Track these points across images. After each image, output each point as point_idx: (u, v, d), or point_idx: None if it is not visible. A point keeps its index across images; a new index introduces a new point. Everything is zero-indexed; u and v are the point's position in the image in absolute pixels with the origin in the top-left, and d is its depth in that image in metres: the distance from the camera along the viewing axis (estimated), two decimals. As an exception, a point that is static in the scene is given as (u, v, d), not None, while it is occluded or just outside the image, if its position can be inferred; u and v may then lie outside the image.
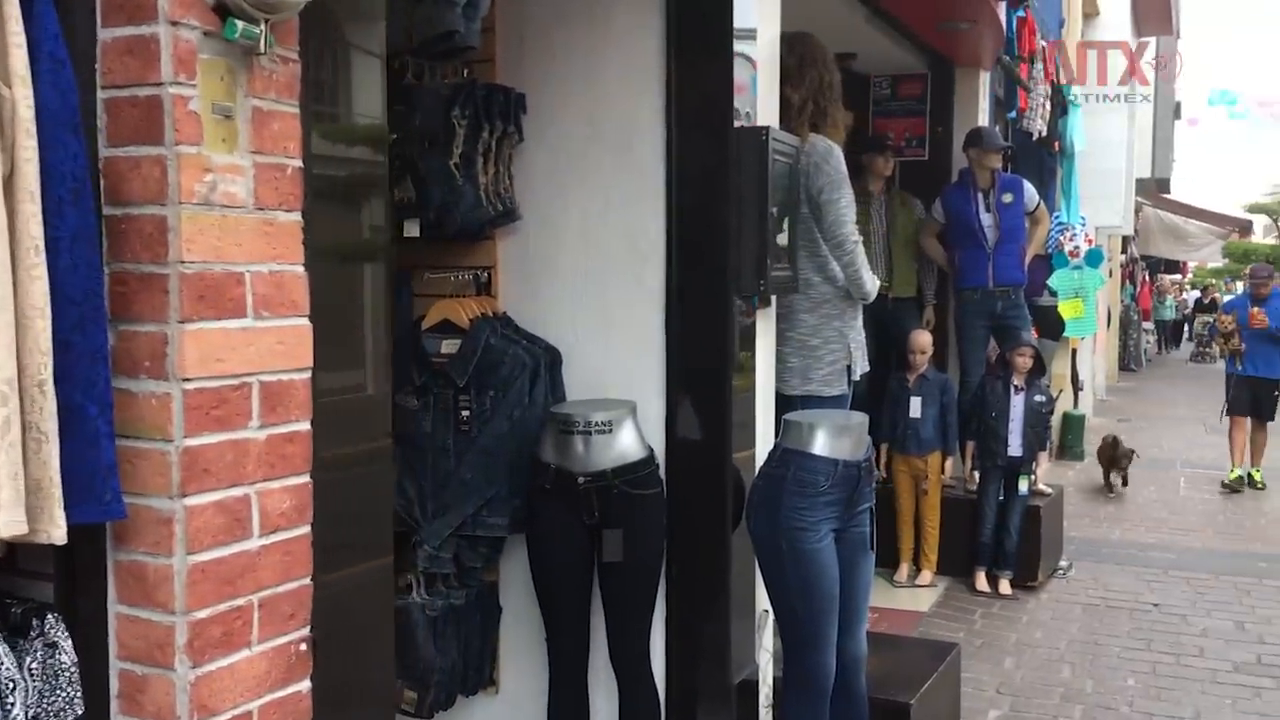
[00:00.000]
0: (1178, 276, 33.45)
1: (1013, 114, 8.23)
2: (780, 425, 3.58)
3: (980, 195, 7.00)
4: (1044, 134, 9.27)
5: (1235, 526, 8.68)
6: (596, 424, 3.51)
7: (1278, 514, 9.02)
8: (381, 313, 2.34)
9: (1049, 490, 7.07)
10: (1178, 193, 25.82)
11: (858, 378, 4.25)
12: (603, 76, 3.76)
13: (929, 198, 7.20)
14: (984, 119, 7.55)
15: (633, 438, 3.57)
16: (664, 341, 3.71)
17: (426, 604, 3.66)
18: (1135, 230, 17.26)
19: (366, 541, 2.30)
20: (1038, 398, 6.74)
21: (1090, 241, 10.29)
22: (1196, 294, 32.42)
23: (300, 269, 2.04)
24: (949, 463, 6.79)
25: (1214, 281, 31.85)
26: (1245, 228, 22.48)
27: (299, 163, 2.02)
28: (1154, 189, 20.42)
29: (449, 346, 3.75)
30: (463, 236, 3.76)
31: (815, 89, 4.18)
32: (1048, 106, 9.30)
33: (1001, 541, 6.73)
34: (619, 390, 3.78)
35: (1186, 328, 29.09)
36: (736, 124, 3.61)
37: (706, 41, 3.61)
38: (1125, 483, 9.72)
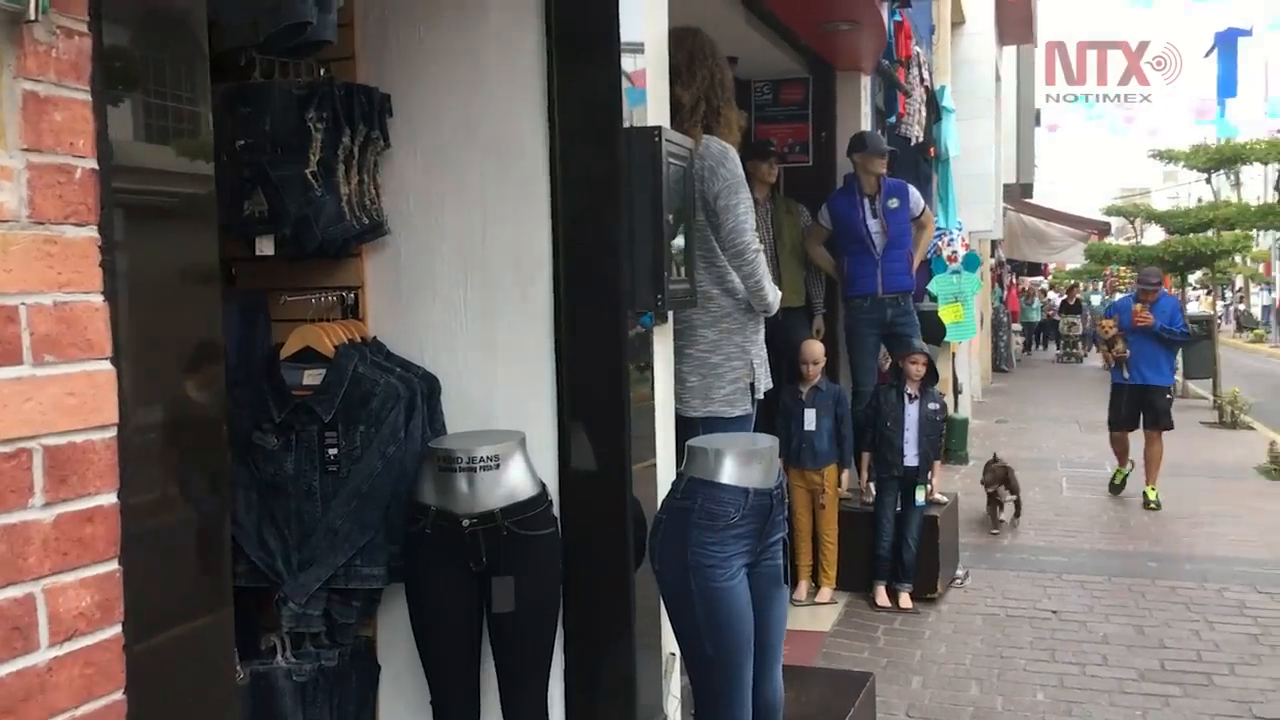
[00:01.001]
0: (1039, 279, 34.14)
1: (892, 119, 8.03)
2: (683, 452, 3.20)
3: (866, 201, 6.74)
4: (920, 140, 9.09)
5: (1121, 526, 8.59)
6: (481, 459, 3.08)
7: (1162, 513, 8.95)
8: (212, 347, 1.88)
9: (944, 499, 6.84)
10: (1039, 197, 26.29)
11: (761, 396, 3.89)
12: (478, 75, 3.36)
13: (814, 204, 6.92)
14: (866, 124, 7.31)
15: (522, 473, 3.15)
16: (554, 365, 3.31)
17: (294, 669, 3.19)
18: (1001, 234, 17.38)
19: (199, 621, 1.84)
20: (932, 405, 6.49)
21: (967, 246, 10.20)
22: (1058, 296, 33.13)
23: (98, 299, 1.58)
24: (845, 475, 6.52)
25: (1075, 282, 32.53)
26: (1104, 229, 22.91)
27: (93, 164, 1.56)
28: (1018, 193, 20.65)
29: (312, 377, 3.29)
30: (325, 254, 3.31)
31: (707, 87, 3.82)
32: (924, 112, 9.13)
33: (900, 554, 6.47)
34: (506, 420, 3.36)
35: (1051, 329, 29.61)
36: (626, 125, 3.23)
37: (591, 35, 3.23)
38: (1018, 512, 8.54)
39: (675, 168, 3.39)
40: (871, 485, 6.63)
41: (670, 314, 3.61)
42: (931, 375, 6.53)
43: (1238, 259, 23.49)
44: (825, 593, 6.47)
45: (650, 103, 3.39)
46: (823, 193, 6.97)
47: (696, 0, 4.76)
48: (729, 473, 3.10)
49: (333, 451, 3.26)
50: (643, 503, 3.37)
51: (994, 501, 8.35)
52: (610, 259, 3.23)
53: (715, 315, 3.81)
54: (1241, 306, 39.71)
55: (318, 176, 3.16)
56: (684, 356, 3.79)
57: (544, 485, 3.20)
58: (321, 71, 3.33)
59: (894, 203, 6.76)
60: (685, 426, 3.83)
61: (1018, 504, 8.51)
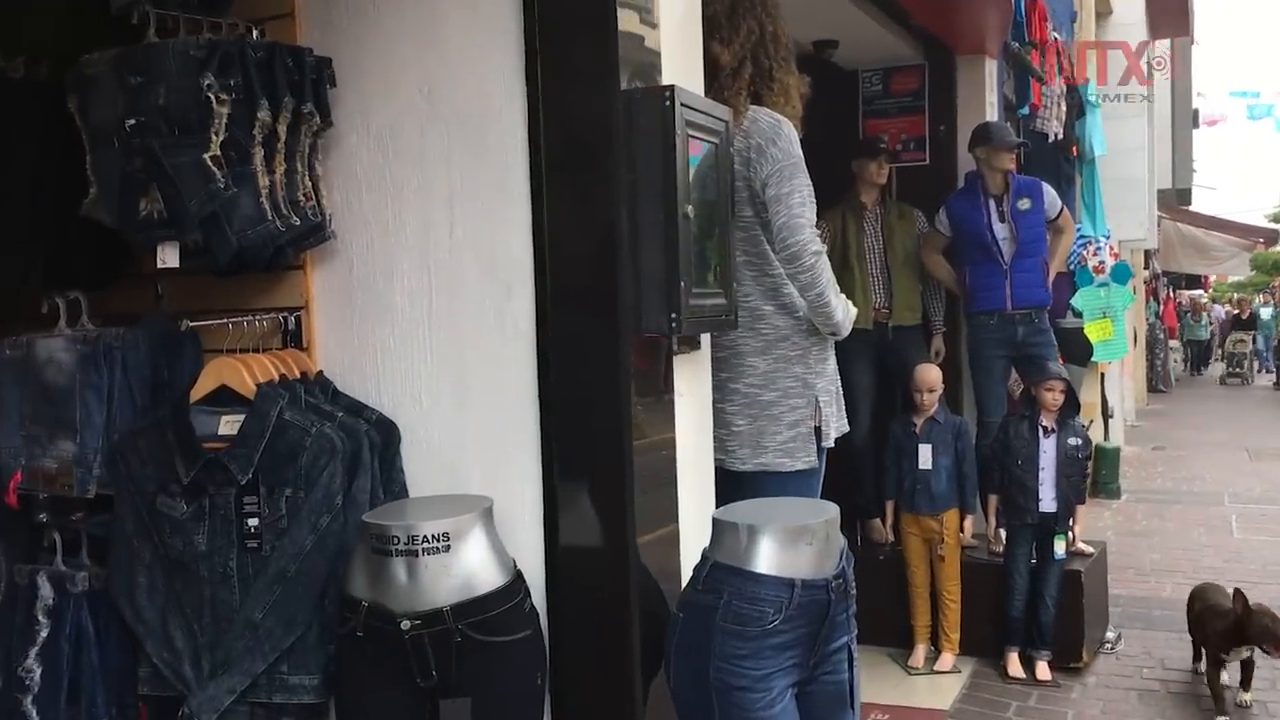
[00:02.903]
0: (1199, 292, 31.74)
1: (1024, 110, 6.95)
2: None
3: (992, 202, 5.72)
4: (1060, 137, 7.99)
5: (1306, 576, 7.31)
6: (424, 539, 2.25)
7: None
8: None
9: (1090, 550, 5.74)
10: (1198, 204, 24.37)
11: (830, 443, 2.96)
12: (442, 32, 2.55)
13: (932, 208, 5.92)
14: (993, 115, 6.28)
15: (484, 555, 2.31)
16: (538, 407, 2.46)
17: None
18: (1158, 244, 15.92)
19: None
20: (1072, 440, 5.41)
21: (1116, 256, 9.03)
22: (1222, 309, 30.54)
23: None
24: (968, 521, 5.49)
25: (1244, 295, 30.04)
26: (1271, 238, 20.99)
27: None
28: (1174, 200, 19.03)
29: (230, 425, 2.51)
30: (250, 266, 2.53)
31: (754, 44, 2.94)
32: (1063, 106, 8.03)
33: (1036, 615, 5.40)
34: (480, 480, 2.54)
35: (1219, 348, 27.12)
36: (627, 87, 2.38)
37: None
38: (1247, 680, 4.89)
39: (700, 143, 2.52)
40: (1001, 533, 5.59)
41: (703, 338, 2.74)
42: (1071, 404, 5.46)
43: None
44: (946, 659, 5.45)
45: (668, 59, 2.53)
46: (942, 195, 5.96)
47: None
48: (767, 558, 2.23)
49: (253, 522, 2.48)
50: (663, 585, 2.50)
51: (1217, 665, 4.83)
52: (605, 266, 2.37)
53: (768, 339, 2.91)
54: None
55: (222, 163, 2.38)
56: (729, 392, 2.90)
57: (517, 572, 2.36)
58: (254, 34, 2.57)
59: (1025, 203, 5.73)
60: (731, 483, 2.95)
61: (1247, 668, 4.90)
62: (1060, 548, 5.36)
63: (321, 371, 2.66)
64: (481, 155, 2.50)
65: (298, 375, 2.61)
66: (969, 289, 5.78)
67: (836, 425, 2.99)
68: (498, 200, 2.48)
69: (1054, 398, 5.37)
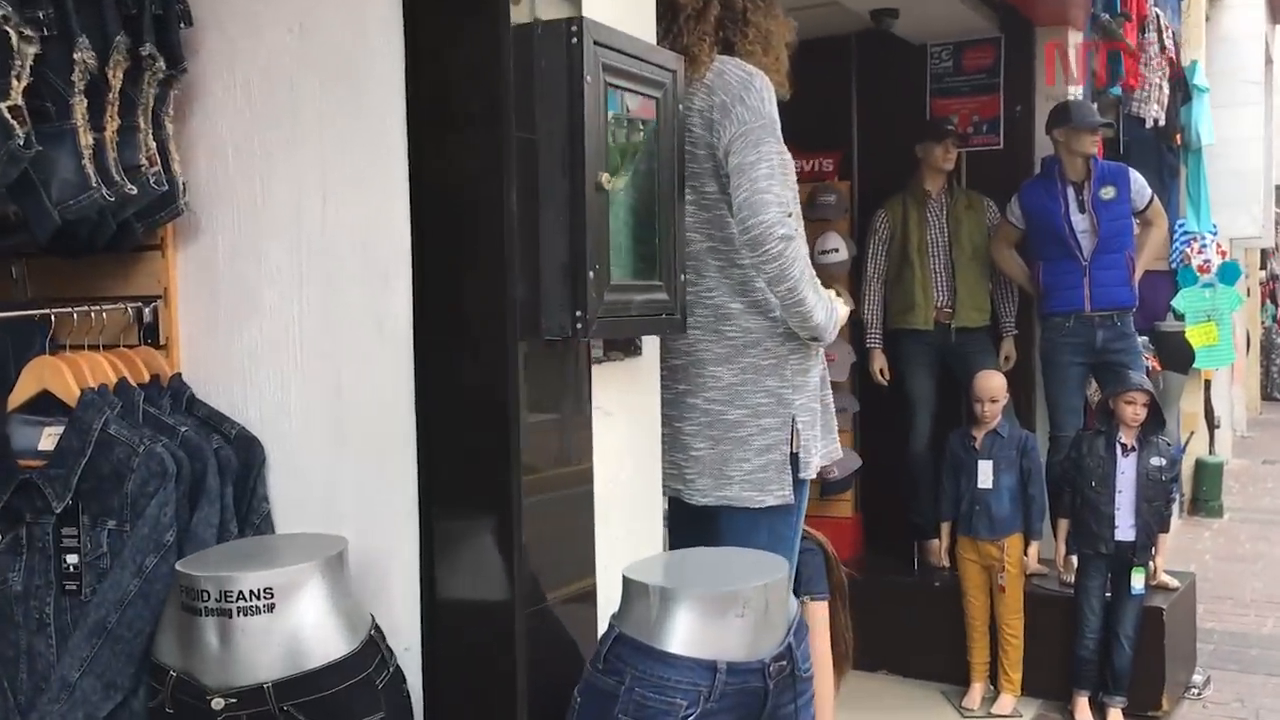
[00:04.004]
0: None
1: (1116, 89, 6.19)
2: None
3: (1071, 190, 5.02)
4: (1161, 122, 7.18)
5: None
6: (242, 595, 1.73)
7: None
8: None
9: (1174, 583, 5.01)
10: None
11: (811, 474, 2.35)
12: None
13: (1005, 197, 5.24)
14: (1077, 95, 5.55)
15: (322, 616, 1.78)
16: (414, 424, 1.93)
17: None
18: (1276, 243, 14.75)
19: None
20: (1155, 460, 4.70)
21: (1224, 254, 8.20)
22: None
23: None
24: (1033, 548, 4.85)
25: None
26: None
27: None
28: (1295, 197, 17.72)
29: (51, 439, 2.02)
30: (85, 243, 2.04)
31: (724, -23, 2.35)
32: (1165, 89, 7.22)
33: (1110, 656, 4.71)
34: (355, 512, 2.02)
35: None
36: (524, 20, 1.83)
37: None
38: None
39: (629, 96, 1.96)
40: (1072, 561, 4.90)
41: (651, 343, 2.18)
42: (1155, 419, 4.75)
43: None
44: (1006, 701, 4.80)
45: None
46: (1018, 183, 5.28)
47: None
48: (683, 632, 1.68)
49: (72, 560, 2.00)
50: (572, 657, 1.95)
51: None
52: (491, 250, 1.83)
53: (735, 344, 2.31)
54: None
55: (23, 116, 1.88)
56: (686, 409, 2.31)
57: (370, 637, 1.83)
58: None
59: (1108, 192, 5.02)
60: (690, 520, 2.39)
61: None
62: (1139, 581, 4.67)
63: (179, 375, 2.16)
64: (357, 110, 1.98)
65: (146, 378, 2.12)
66: (1043, 287, 5.09)
67: (821, 452, 2.38)
68: (374, 166, 1.96)
69: (1135, 412, 4.66)
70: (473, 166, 1.84)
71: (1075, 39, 5.47)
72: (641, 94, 1.99)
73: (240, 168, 2.11)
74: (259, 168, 2.09)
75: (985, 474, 4.76)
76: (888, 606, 5.09)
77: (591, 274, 1.84)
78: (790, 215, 2.16)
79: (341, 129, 2.00)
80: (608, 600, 1.95)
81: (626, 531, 2.09)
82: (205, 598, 1.72)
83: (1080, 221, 4.99)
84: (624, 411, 2.09)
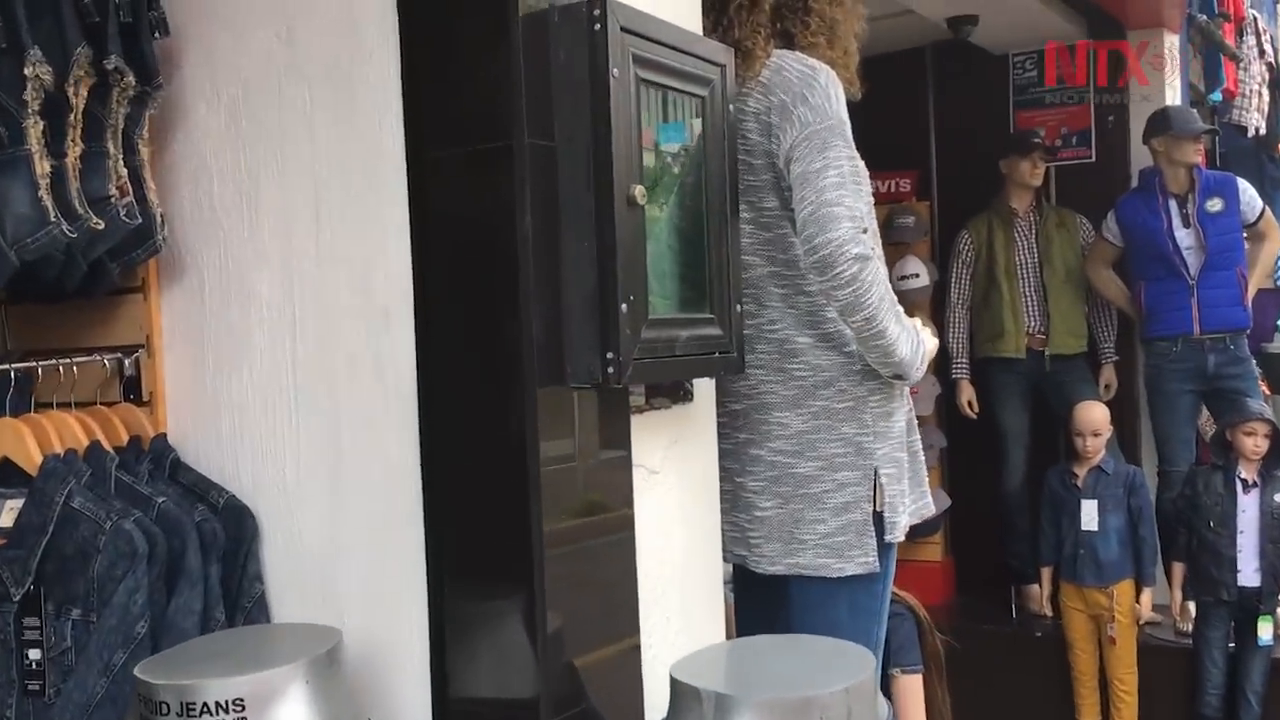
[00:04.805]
0: None
1: (1216, 96, 5.74)
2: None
3: (1173, 203, 4.59)
4: (1262, 132, 6.70)
5: None
6: (209, 707, 1.42)
7: None
8: None
9: (1308, 631, 4.53)
10: None
11: (899, 537, 1.98)
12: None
13: (1099, 213, 4.81)
14: (1174, 102, 5.12)
15: (306, 729, 1.46)
16: (420, 489, 1.61)
17: None
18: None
19: None
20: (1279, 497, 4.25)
21: (1336, 269, 7.64)
22: None
23: None
24: (1146, 595, 4.40)
25: None
26: None
27: None
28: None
29: (11, 515, 1.74)
30: (54, 287, 1.77)
31: (782, -45, 2.02)
32: (1265, 95, 6.73)
33: (1236, 713, 4.25)
34: (359, 594, 1.71)
35: None
36: (537, 6, 1.52)
37: None
38: None
39: (671, 94, 1.64)
40: (1190, 609, 4.44)
41: (705, 386, 1.85)
42: (1277, 452, 4.29)
43: None
44: (1120, 765, 4.36)
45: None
46: (1111, 198, 4.85)
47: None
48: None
49: (34, 655, 1.71)
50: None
51: None
52: (504, 282, 1.51)
53: (804, 385, 1.94)
54: None
55: (-36, 142, 1.62)
56: (749, 461, 1.96)
57: (366, 750, 1.51)
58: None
59: (1216, 204, 4.58)
60: (758, 591, 2.04)
61: None
62: (1266, 631, 4.23)
63: (163, 436, 1.87)
64: (351, 122, 1.68)
65: (124, 440, 1.83)
66: (1146, 309, 4.65)
67: (911, 509, 2.02)
68: (370, 186, 1.65)
69: (1256, 444, 4.21)
70: (479, 182, 1.53)
71: (1170, 41, 5.04)
72: (683, 92, 1.66)
73: (225, 195, 1.83)
74: (246, 193, 1.80)
75: (1090, 515, 4.35)
76: (984, 659, 4.67)
77: (624, 307, 1.51)
78: (865, 231, 1.81)
79: (334, 145, 1.70)
80: (657, 701, 1.61)
81: (679, 613, 1.75)
82: (164, 710, 1.41)
83: (1185, 237, 4.56)
84: (673, 469, 1.76)
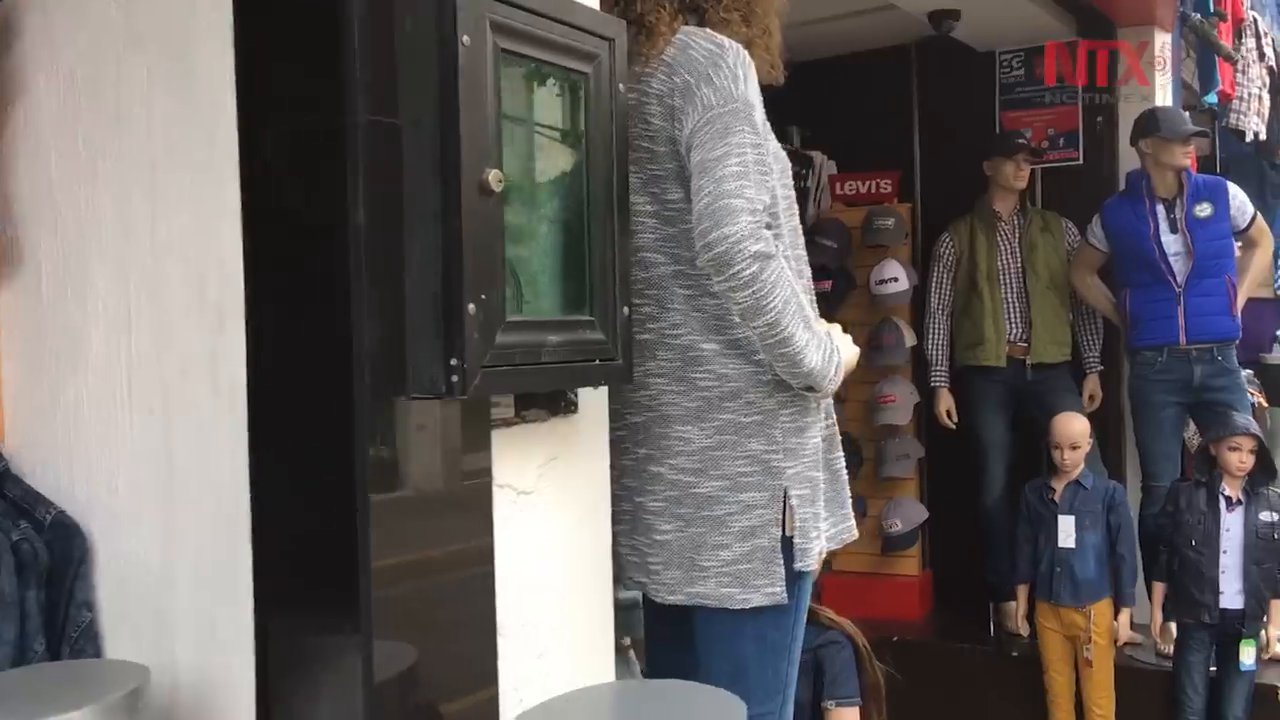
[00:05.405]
0: None
1: (1212, 98, 5.52)
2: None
3: (1161, 208, 4.37)
4: (1262, 137, 6.46)
5: None
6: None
7: None
8: None
9: (1292, 656, 4.32)
10: None
11: (812, 564, 1.76)
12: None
13: (1086, 218, 4.60)
14: (1166, 102, 4.91)
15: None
16: (249, 510, 1.42)
17: None
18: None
19: None
20: (1265, 515, 4.02)
21: (1337, 279, 7.44)
22: None
23: None
24: (1124, 615, 4.18)
25: None
26: None
27: None
28: None
29: None
30: None
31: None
32: (1266, 100, 6.50)
33: (1217, 739, 4.04)
34: (192, 621, 1.50)
35: None
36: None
37: None
38: None
39: (529, 65, 1.44)
40: (1171, 629, 4.23)
41: (595, 396, 1.65)
42: (1266, 468, 4.07)
43: None
44: (1095, 793, 4.15)
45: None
46: (1098, 201, 4.64)
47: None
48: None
49: None
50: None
51: None
52: (331, 280, 1.32)
53: (709, 397, 1.74)
54: None
55: None
56: (648, 479, 1.75)
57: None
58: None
59: (1204, 209, 4.36)
60: (665, 622, 1.85)
61: None
62: (1249, 656, 4.01)
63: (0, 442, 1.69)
64: (188, 96, 1.49)
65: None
66: (1131, 318, 4.44)
67: (828, 533, 1.81)
68: (206, 171, 1.46)
69: (1241, 459, 4.00)
70: (311, 166, 1.33)
71: (1162, 40, 4.83)
72: (560, 67, 1.46)
73: (64, 176, 1.64)
74: (83, 175, 1.61)
75: (1067, 531, 4.15)
76: (958, 678, 4.49)
77: (473, 308, 1.31)
78: (769, 228, 1.61)
79: (171, 124, 1.51)
80: (508, 706, 1.42)
81: (556, 651, 1.55)
82: (-76, 761, 1.22)
83: (1172, 243, 4.34)
84: (550, 489, 1.56)
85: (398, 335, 1.33)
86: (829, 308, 4.91)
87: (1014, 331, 4.64)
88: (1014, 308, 4.64)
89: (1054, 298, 4.64)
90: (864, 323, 4.90)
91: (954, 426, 4.72)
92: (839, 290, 4.92)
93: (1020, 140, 4.74)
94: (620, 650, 2.27)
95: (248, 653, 1.41)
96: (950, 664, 4.57)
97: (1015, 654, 4.44)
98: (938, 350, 4.76)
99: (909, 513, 4.82)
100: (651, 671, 2.01)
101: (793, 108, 5.18)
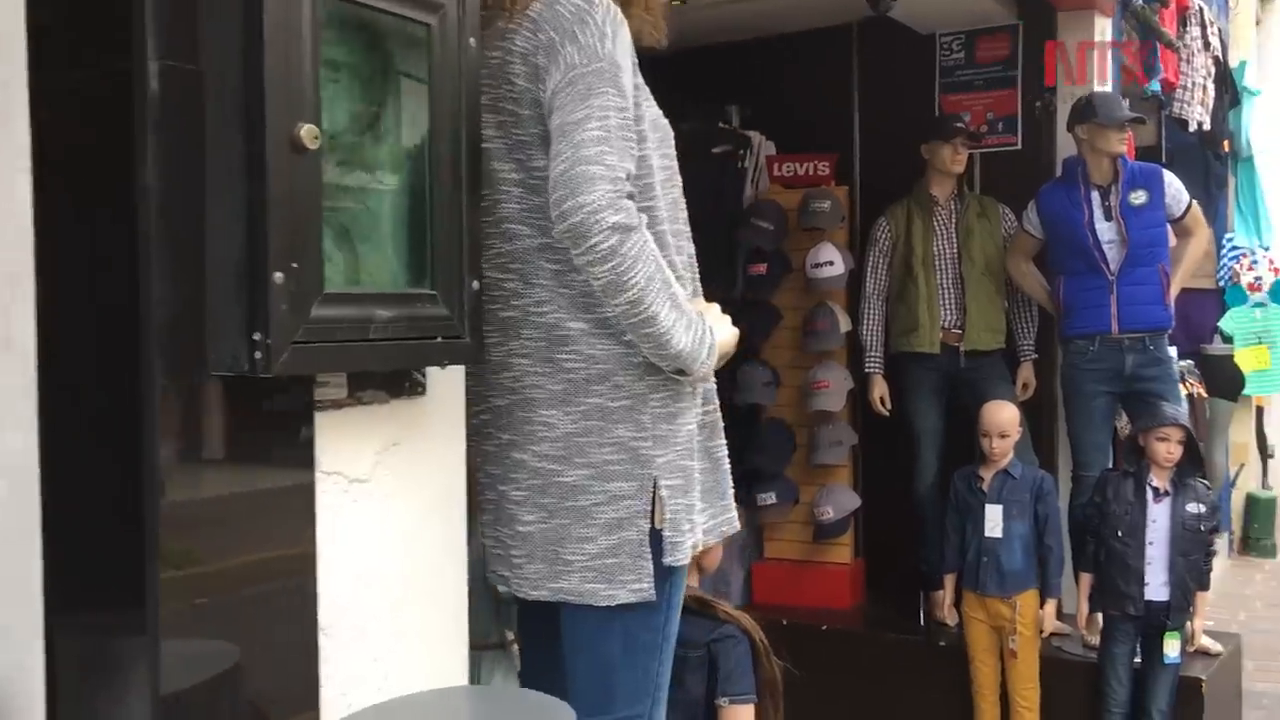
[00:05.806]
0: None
1: (1155, 86, 5.43)
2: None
3: (1095, 195, 4.28)
4: (1206, 127, 6.40)
5: None
6: None
7: None
8: None
9: (1216, 648, 4.24)
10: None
11: (684, 558, 1.64)
12: None
13: (1022, 203, 4.51)
14: (1106, 88, 4.82)
15: None
16: (39, 499, 1.27)
17: None
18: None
19: None
20: (1191, 507, 3.94)
21: (1276, 271, 7.40)
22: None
23: None
24: (1050, 606, 4.11)
25: None
26: None
27: None
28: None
29: None
30: None
31: None
32: (1210, 89, 6.43)
33: (1141, 731, 3.96)
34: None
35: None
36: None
37: None
38: None
39: (358, 11, 1.30)
40: (1096, 620, 4.15)
41: (447, 378, 1.51)
42: (1193, 459, 4.00)
43: None
44: (1018, 784, 4.07)
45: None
46: (1037, 188, 4.54)
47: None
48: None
49: None
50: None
51: None
52: (120, 244, 1.18)
53: (575, 380, 1.61)
54: None
55: None
56: (511, 466, 1.62)
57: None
58: None
59: (1139, 197, 4.27)
60: (534, 619, 1.73)
61: None
62: (1173, 648, 3.93)
63: None
64: (-16, 42, 1.33)
65: None
66: (1064, 305, 4.35)
67: (703, 525, 1.68)
68: (2, 121, 1.31)
69: (1169, 450, 3.92)
70: (98, 117, 1.19)
71: (1102, 25, 4.73)
72: (396, 15, 1.32)
73: None
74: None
75: (994, 520, 4.06)
76: (886, 668, 4.40)
77: (280, 277, 1.18)
78: (631, 197, 1.48)
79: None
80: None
81: (394, 653, 1.42)
82: None
83: (1106, 230, 4.25)
84: (390, 477, 1.43)
85: (196, 307, 1.19)
86: (764, 291, 4.81)
87: (948, 318, 4.54)
88: (949, 294, 4.54)
89: (989, 284, 4.55)
90: (799, 307, 4.80)
91: (888, 413, 4.63)
92: (774, 273, 4.80)
93: (958, 124, 4.63)
94: (505, 647, 2.15)
95: (38, 657, 1.27)
96: (878, 653, 4.48)
97: (943, 643, 4.36)
98: (873, 336, 4.66)
99: (841, 500, 4.72)
100: (525, 669, 1.89)
101: (732, 86, 5.07)
